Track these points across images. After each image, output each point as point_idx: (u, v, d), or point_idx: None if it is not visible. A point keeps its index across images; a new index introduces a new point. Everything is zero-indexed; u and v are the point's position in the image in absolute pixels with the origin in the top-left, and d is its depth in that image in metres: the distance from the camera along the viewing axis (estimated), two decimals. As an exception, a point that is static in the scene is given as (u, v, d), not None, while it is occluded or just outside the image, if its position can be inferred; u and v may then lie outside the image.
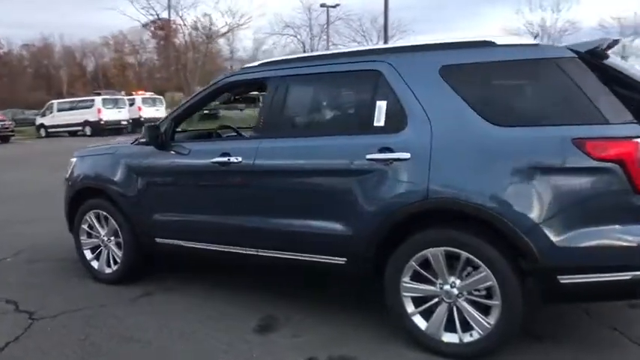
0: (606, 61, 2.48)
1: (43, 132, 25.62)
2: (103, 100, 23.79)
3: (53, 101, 26.68)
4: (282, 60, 3.30)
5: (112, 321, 3.32)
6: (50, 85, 50.88)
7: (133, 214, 3.73)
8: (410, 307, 2.76)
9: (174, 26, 38.07)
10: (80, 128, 24.12)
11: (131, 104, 25.10)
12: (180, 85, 37.38)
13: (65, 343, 3.02)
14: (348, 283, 3.68)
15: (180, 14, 19.47)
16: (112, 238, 3.97)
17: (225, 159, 3.24)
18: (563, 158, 2.35)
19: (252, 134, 3.35)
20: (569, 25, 33.02)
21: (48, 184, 8.75)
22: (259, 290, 3.73)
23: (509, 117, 2.53)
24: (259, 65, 3.40)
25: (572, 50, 2.49)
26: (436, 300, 2.71)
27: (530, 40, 2.66)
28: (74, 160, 4.23)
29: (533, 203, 2.39)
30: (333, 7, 29.14)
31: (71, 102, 26.05)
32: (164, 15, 33.93)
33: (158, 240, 3.68)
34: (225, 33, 14.17)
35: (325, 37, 31.93)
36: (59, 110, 25.03)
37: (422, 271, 2.70)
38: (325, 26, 30.99)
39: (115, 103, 24.11)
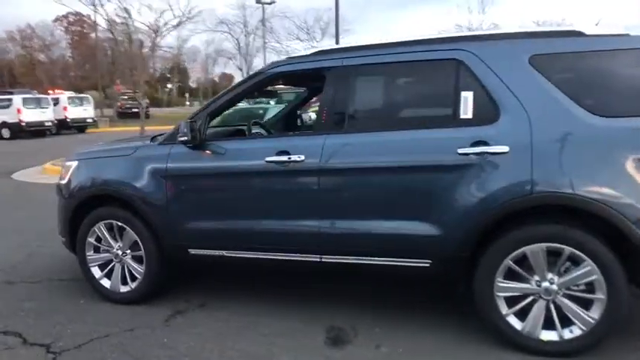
0: None
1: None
2: (24, 99, 21.45)
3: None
4: (345, 48, 3.02)
5: (155, 347, 2.89)
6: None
7: (160, 223, 3.27)
8: (504, 309, 2.64)
9: (89, 21, 35.33)
10: (-5, 131, 21.55)
11: (55, 104, 22.94)
12: (97, 84, 34.89)
13: (113, 378, 2.57)
14: (391, 286, 3.52)
15: (97, 8, 17.88)
16: (129, 251, 3.47)
17: (284, 158, 2.92)
18: None
19: (313, 129, 3.05)
20: (494, 26, 34.99)
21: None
22: (301, 300, 3.45)
23: (610, 107, 2.48)
24: (314, 54, 3.09)
25: None
26: (531, 298, 2.61)
27: (620, 31, 2.63)
28: (73, 164, 3.65)
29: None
30: (269, 3, 28.50)
31: (-18, 102, 23.22)
32: (80, 8, 31.36)
33: (192, 251, 3.26)
34: (177, 26, 13.30)
35: (261, 34, 31.22)
36: (-33, 111, 22.18)
37: (518, 269, 2.59)
38: (262, 23, 30.28)
39: (38, 103, 21.84)
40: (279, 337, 2.95)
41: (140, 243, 3.38)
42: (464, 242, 2.63)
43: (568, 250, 2.48)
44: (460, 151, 2.60)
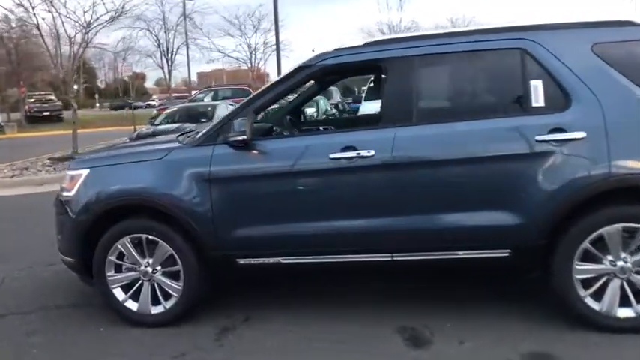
0: None
1: None
2: None
3: None
4: (404, 38, 2.93)
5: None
6: None
7: (203, 233, 2.95)
8: (581, 290, 2.71)
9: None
10: None
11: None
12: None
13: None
14: (439, 281, 3.48)
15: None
16: (159, 267, 3.10)
17: (352, 154, 2.76)
18: None
19: (375, 123, 2.91)
20: (412, 24, 36.69)
21: None
22: (351, 303, 3.29)
23: None
24: (368, 45, 2.97)
25: None
26: (606, 278, 2.70)
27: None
28: (81, 172, 3.18)
29: None
30: (190, -1, 27.62)
31: None
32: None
33: (241, 261, 2.98)
34: (111, 21, 12.04)
35: (183, 30, 30.05)
36: None
37: (595, 250, 2.67)
38: (184, 19, 29.17)
39: None
40: (354, 344, 2.78)
41: (177, 257, 3.02)
42: (544, 229, 2.66)
43: (643, 228, 2.60)
44: (538, 138, 2.62)
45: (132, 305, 3.15)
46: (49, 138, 18.35)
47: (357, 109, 10.40)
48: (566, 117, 2.64)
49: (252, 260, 2.98)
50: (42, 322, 3.32)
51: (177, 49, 32.68)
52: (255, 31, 33.54)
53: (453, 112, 2.82)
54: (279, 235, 2.91)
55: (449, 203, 2.74)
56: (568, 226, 2.65)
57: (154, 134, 9.66)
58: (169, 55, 33.07)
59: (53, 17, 11.26)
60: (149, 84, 65.31)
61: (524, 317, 2.91)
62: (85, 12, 11.14)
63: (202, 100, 16.41)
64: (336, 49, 3.03)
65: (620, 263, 2.67)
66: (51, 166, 10.48)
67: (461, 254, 2.77)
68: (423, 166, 2.74)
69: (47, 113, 28.42)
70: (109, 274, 3.14)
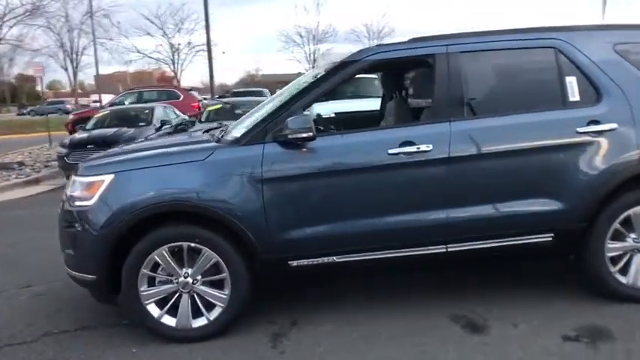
0: None
1: None
2: None
3: None
4: (447, 35, 2.99)
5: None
6: None
7: (255, 236, 2.79)
8: (611, 267, 3.00)
9: None
10: None
11: None
12: None
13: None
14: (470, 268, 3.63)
15: None
16: (199, 277, 2.88)
17: (411, 149, 2.79)
18: None
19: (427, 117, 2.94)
20: (329, 28, 37.42)
21: None
22: (394, 297, 3.34)
23: None
24: (412, 41, 2.99)
25: None
26: (630, 254, 3.02)
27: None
28: (105, 178, 2.84)
29: None
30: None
31: None
32: None
33: (294, 263, 2.87)
34: (27, 15, 10.51)
35: (90, 29, 27.67)
36: None
37: (623, 230, 2.97)
38: (90, 16, 26.87)
39: None
40: (416, 336, 2.81)
41: (223, 264, 2.83)
42: (585, 213, 2.90)
43: (663, 206, 2.94)
44: (579, 130, 2.85)
45: (169, 321, 2.90)
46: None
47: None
48: (599, 110, 2.90)
49: (305, 261, 2.88)
50: (56, 350, 2.92)
51: (84, 49, 30.03)
52: (178, 31, 32.00)
53: (499, 106, 2.95)
54: (335, 234, 2.85)
55: (500, 193, 2.88)
56: (603, 208, 2.92)
57: (90, 140, 8.85)
58: (74, 55, 30.27)
59: None
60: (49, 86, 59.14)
61: (560, 298, 3.15)
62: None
63: (123, 104, 15.30)
64: (378, 45, 3.03)
65: (643, 239, 2.99)
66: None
67: (510, 241, 2.92)
68: (477, 158, 2.85)
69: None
70: (142, 288, 2.85)
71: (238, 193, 2.78)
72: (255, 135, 2.86)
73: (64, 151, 8.76)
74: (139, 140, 3.71)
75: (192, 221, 2.82)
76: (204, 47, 29.84)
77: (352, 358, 2.68)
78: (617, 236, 2.99)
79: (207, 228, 2.81)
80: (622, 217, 2.95)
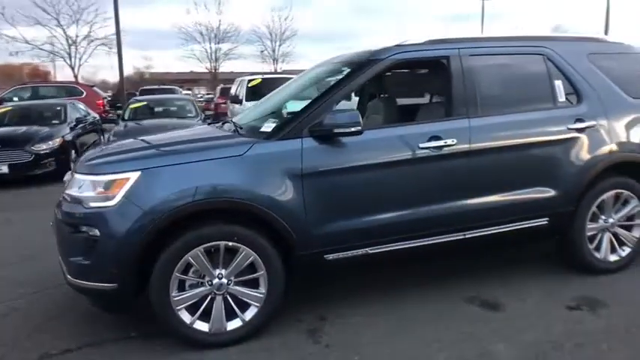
0: None
1: None
2: None
3: None
4: (459, 39, 3.23)
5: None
6: None
7: (294, 232, 2.76)
8: (589, 245, 3.48)
9: None
10: None
11: None
12: None
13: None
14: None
15: None
16: (233, 277, 2.76)
17: (440, 143, 2.97)
18: None
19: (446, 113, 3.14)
20: (231, 27, 36.80)
21: None
22: (405, 286, 3.50)
23: (633, 92, 3.58)
24: (429, 43, 3.17)
25: None
26: (601, 233, 3.54)
27: (618, 39, 3.79)
28: (130, 175, 2.60)
29: None
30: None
31: None
32: None
33: (330, 257, 2.89)
34: None
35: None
36: None
37: (597, 212, 3.47)
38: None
39: None
40: (445, 319, 2.99)
41: (261, 262, 2.75)
42: (573, 199, 3.33)
43: (626, 192, 3.49)
44: (569, 126, 3.29)
45: (201, 326, 2.73)
46: None
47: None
48: (581, 110, 3.36)
49: (341, 255, 2.91)
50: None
51: None
52: (75, 22, 28.94)
53: (505, 105, 3.26)
54: (370, 225, 2.92)
55: (509, 182, 3.20)
56: (585, 194, 3.38)
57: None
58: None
59: None
60: None
61: (549, 275, 3.56)
62: None
63: (12, 101, 13.58)
64: (397, 45, 3.17)
65: (610, 220, 3.53)
66: None
67: (515, 226, 3.24)
68: (490, 152, 3.12)
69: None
70: (173, 294, 2.65)
71: (279, 189, 2.73)
72: (292, 129, 2.83)
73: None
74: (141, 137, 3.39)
75: (227, 219, 2.70)
76: (107, 41, 27.61)
77: (399, 341, 2.77)
78: (593, 218, 3.48)
79: (244, 226, 2.71)
80: (598, 201, 3.44)
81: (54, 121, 8.78)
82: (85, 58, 30.31)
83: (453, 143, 3.01)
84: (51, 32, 28.24)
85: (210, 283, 2.72)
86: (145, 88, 18.84)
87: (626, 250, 3.59)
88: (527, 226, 3.29)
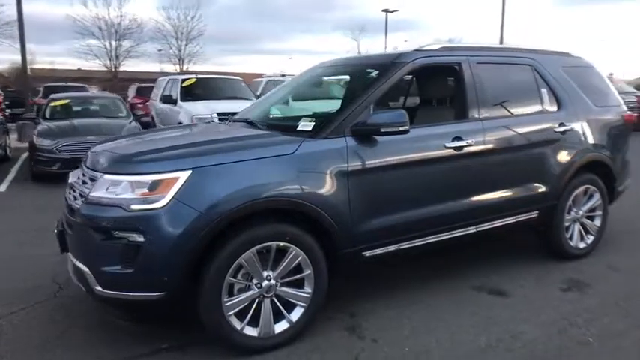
0: None
1: None
2: None
3: None
4: (467, 47, 3.50)
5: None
6: None
7: (340, 230, 2.79)
8: (566, 233, 3.96)
9: None
10: None
11: None
12: None
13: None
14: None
15: None
16: (279, 279, 2.73)
17: (462, 143, 3.20)
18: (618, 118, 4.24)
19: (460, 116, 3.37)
20: (134, 23, 34.60)
21: None
22: (419, 278, 3.69)
23: (597, 101, 4.14)
24: (443, 49, 3.39)
25: None
26: (572, 223, 4.04)
27: (578, 55, 4.34)
28: (179, 175, 2.45)
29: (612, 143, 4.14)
30: None
31: None
32: None
33: (368, 253, 2.97)
34: None
35: None
36: None
37: (571, 204, 3.96)
38: None
39: None
40: (467, 307, 3.22)
41: (309, 261, 2.74)
42: (557, 194, 3.77)
43: (592, 188, 4.03)
44: (556, 130, 3.72)
45: (251, 331, 2.65)
46: None
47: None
48: (561, 115, 3.82)
49: (377, 251, 3.00)
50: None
51: None
52: None
53: (506, 110, 3.59)
54: (404, 222, 3.05)
55: (515, 179, 3.54)
56: (565, 190, 3.84)
57: None
58: None
59: None
60: None
61: (535, 262, 3.97)
62: None
63: None
64: (416, 50, 3.34)
65: (580, 212, 4.05)
66: None
67: (513, 219, 3.59)
68: (499, 152, 3.42)
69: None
70: (225, 299, 2.54)
71: (328, 187, 2.75)
72: (335, 129, 2.85)
73: None
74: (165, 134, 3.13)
75: (277, 219, 2.65)
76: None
77: (437, 330, 2.92)
78: (568, 211, 3.97)
79: (294, 225, 2.68)
80: (573, 195, 3.93)
81: None
82: None
83: (472, 143, 3.26)
84: None
85: (259, 285, 2.64)
86: (49, 85, 17.00)
87: (590, 238, 4.14)
88: (523, 218, 3.66)
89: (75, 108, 8.83)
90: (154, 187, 2.44)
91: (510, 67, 3.73)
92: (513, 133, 3.53)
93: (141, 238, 2.40)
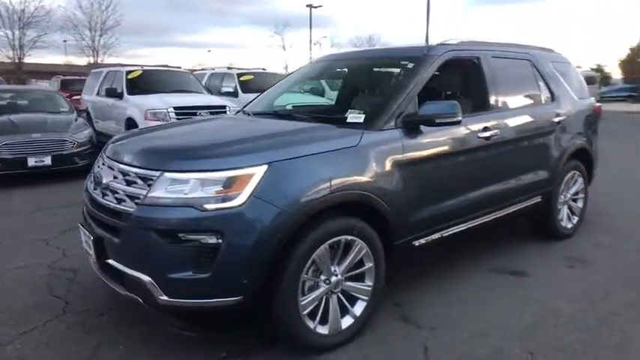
0: None
1: None
2: None
3: None
4: (481, 42, 3.64)
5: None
6: None
7: (397, 221, 2.80)
8: (559, 215, 4.31)
9: None
10: None
11: None
12: None
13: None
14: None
15: None
16: (344, 273, 2.68)
17: (490, 133, 3.34)
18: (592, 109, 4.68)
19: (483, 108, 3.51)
20: (41, 10, 31.44)
21: None
22: (432, 269, 3.81)
23: (578, 93, 4.53)
24: (462, 44, 3.49)
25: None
26: (563, 206, 4.41)
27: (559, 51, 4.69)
28: (255, 170, 2.29)
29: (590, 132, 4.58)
30: None
31: None
32: None
33: (417, 243, 3.01)
34: None
35: None
36: None
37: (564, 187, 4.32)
38: None
39: None
40: (497, 290, 3.39)
41: (371, 254, 2.72)
42: (554, 179, 4.09)
43: (577, 173, 4.43)
44: (554, 120, 4.02)
45: (322, 330, 2.57)
46: None
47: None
48: (555, 106, 4.14)
49: (424, 240, 3.05)
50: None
51: None
52: None
53: (514, 102, 3.79)
54: (448, 210, 3.14)
55: (528, 166, 3.79)
56: (560, 176, 4.17)
57: None
58: None
59: None
60: None
61: (534, 244, 4.26)
62: None
63: None
64: (441, 45, 3.42)
65: (568, 196, 4.42)
66: None
67: (522, 204, 3.83)
68: (514, 142, 3.62)
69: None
70: (300, 298, 2.44)
71: (389, 178, 2.74)
72: (387, 120, 2.85)
73: None
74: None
75: (342, 213, 2.59)
76: None
77: (483, 312, 3.04)
78: (560, 194, 4.32)
79: (359, 218, 2.64)
80: (564, 180, 4.28)
81: None
82: None
83: (497, 134, 3.42)
84: None
85: (327, 282, 2.57)
86: None
87: (575, 219, 4.54)
88: (531, 203, 3.91)
89: (7, 103, 7.85)
90: (229, 184, 2.26)
91: (515, 61, 3.96)
92: (525, 122, 3.76)
93: (218, 240, 2.23)
